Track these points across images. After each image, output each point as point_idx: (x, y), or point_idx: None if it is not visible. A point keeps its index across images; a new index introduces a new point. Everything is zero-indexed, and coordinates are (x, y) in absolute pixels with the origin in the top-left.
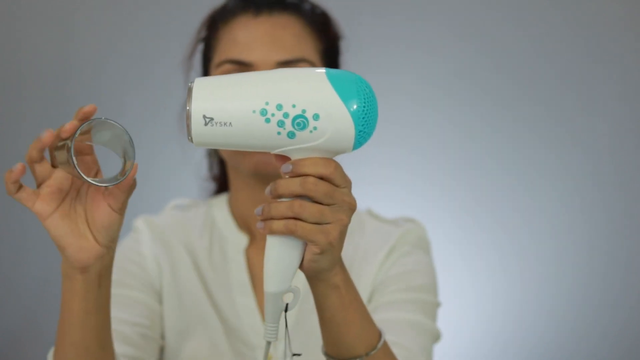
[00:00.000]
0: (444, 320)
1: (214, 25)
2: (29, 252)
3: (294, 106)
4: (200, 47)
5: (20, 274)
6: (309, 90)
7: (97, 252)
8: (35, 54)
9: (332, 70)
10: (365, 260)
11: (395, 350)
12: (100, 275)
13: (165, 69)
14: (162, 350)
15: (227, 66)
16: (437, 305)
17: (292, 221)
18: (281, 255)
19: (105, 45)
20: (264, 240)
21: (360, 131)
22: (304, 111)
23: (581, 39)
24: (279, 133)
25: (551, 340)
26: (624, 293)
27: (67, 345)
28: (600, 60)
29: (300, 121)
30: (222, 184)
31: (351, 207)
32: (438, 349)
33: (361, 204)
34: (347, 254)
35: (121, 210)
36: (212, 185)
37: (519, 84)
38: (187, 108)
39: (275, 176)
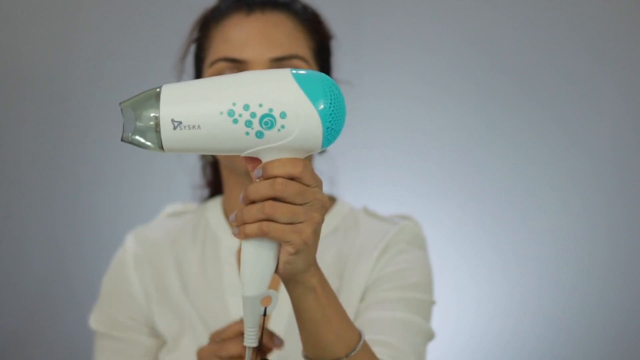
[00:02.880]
0: (443, 320)
1: (206, 25)
2: (29, 252)
3: (260, 105)
4: (192, 49)
5: (21, 274)
6: (275, 89)
7: None
8: (35, 54)
9: (298, 70)
10: (360, 257)
11: (383, 349)
12: None
13: (165, 70)
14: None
15: (221, 64)
16: (431, 303)
17: (265, 223)
18: (257, 259)
19: (105, 45)
20: None
21: (328, 128)
22: (270, 110)
23: (581, 38)
24: (247, 133)
25: (551, 340)
26: (624, 293)
27: None
28: (600, 60)
29: (268, 120)
30: (216, 188)
31: (324, 205)
32: (438, 349)
33: (361, 203)
34: (343, 251)
35: None
36: (206, 192)
37: (518, 83)
38: (155, 115)
39: None
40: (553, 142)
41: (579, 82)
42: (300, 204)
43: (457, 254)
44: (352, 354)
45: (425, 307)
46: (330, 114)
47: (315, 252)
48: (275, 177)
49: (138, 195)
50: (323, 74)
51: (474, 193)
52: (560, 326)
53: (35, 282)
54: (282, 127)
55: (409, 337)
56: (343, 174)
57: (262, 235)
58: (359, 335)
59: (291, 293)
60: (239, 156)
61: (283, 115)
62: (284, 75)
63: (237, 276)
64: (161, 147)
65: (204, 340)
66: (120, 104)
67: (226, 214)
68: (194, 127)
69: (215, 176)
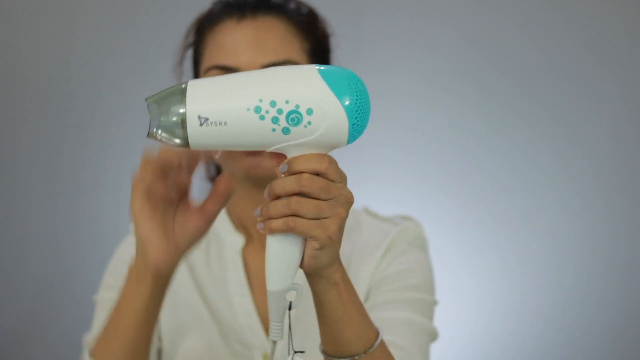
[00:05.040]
0: (444, 320)
1: (201, 30)
2: (29, 252)
3: (287, 102)
4: (190, 52)
5: (21, 274)
6: (302, 85)
7: (176, 258)
8: (35, 54)
9: (324, 66)
10: (362, 258)
11: (391, 349)
12: (169, 282)
13: (166, 69)
14: (159, 352)
15: (214, 72)
16: (433, 303)
17: (290, 218)
18: (282, 254)
19: (105, 45)
20: (261, 240)
21: (354, 124)
22: (297, 106)
23: (581, 39)
24: (273, 130)
25: (551, 340)
26: (624, 293)
27: (116, 343)
28: (600, 60)
29: (294, 116)
30: None
31: (348, 201)
32: (438, 349)
33: (361, 203)
34: (345, 252)
35: (211, 222)
36: (210, 186)
37: (518, 83)
38: (181, 111)
39: (267, 178)
40: (553, 142)
41: (579, 82)
42: (326, 200)
43: (457, 254)
44: (370, 350)
45: (428, 307)
46: (356, 110)
47: (339, 248)
48: (301, 172)
49: None
50: (349, 70)
51: (474, 193)
52: (560, 326)
53: (35, 282)
54: (309, 123)
55: (414, 337)
56: None
57: (288, 230)
58: (377, 333)
59: (314, 288)
60: (237, 162)
61: (309, 111)
62: (310, 72)
63: (242, 274)
64: (187, 144)
65: (212, 334)
66: (146, 99)
67: (229, 213)
68: (220, 123)
69: (219, 174)
